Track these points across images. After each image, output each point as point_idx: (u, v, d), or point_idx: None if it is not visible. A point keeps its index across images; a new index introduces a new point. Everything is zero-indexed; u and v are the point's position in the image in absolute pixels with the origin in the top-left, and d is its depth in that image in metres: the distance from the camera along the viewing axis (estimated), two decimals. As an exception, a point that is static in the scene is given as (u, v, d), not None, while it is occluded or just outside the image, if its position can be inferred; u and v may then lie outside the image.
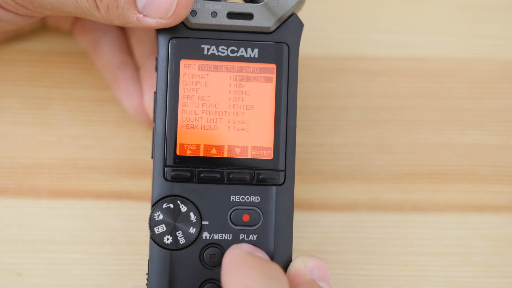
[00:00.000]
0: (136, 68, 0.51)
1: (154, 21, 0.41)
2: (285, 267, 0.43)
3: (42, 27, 0.52)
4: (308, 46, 0.53)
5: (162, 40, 0.43)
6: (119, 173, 0.52)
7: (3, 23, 0.45)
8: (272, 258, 0.43)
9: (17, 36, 0.52)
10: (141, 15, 0.41)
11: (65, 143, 0.52)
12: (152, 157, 0.43)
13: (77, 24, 0.51)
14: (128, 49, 0.51)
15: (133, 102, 0.50)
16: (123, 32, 0.51)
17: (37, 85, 0.52)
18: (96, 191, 0.51)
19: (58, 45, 0.53)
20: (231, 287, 0.38)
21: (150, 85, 0.49)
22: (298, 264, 0.43)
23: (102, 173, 0.52)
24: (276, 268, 0.39)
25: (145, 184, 0.51)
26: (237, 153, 0.43)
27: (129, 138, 0.52)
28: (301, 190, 0.52)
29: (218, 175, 0.42)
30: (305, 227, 0.52)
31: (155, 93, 0.43)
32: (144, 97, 0.49)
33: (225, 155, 0.43)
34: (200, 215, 0.42)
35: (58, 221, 0.51)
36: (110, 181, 0.52)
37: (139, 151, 0.52)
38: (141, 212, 0.50)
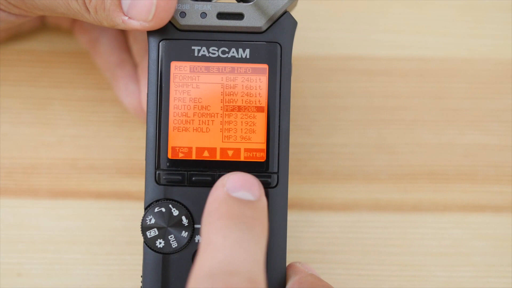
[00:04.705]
0: (135, 66, 0.51)
1: (138, 24, 0.41)
2: (280, 269, 0.43)
3: (42, 26, 0.53)
4: (308, 46, 0.53)
5: (152, 42, 0.42)
6: (119, 173, 0.52)
7: (-2, 22, 0.46)
8: (266, 261, 0.42)
9: (17, 36, 0.52)
10: (126, 18, 0.41)
11: (65, 143, 0.52)
12: (145, 159, 0.43)
13: (76, 23, 0.51)
14: (126, 47, 0.51)
15: (132, 100, 0.50)
16: (121, 30, 0.51)
17: (37, 85, 0.52)
18: (96, 191, 0.51)
19: (58, 45, 0.53)
20: (202, 242, 0.38)
21: (146, 83, 0.49)
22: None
23: (102, 173, 0.52)
24: (252, 214, 0.39)
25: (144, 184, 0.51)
26: (230, 156, 0.42)
27: (129, 138, 0.52)
28: (301, 190, 0.52)
29: (210, 178, 0.42)
30: (305, 227, 0.52)
31: (147, 95, 0.43)
32: (141, 95, 0.49)
33: (218, 158, 0.42)
34: (193, 218, 0.42)
35: (58, 221, 0.51)
36: (110, 181, 0.52)
37: (139, 151, 0.52)
38: (141, 212, 0.50)
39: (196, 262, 0.37)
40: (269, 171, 0.42)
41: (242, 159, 0.42)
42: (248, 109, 0.42)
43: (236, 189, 0.39)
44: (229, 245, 0.37)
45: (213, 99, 0.42)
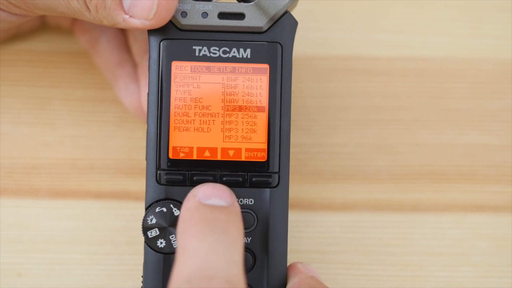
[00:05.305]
0: (135, 66, 0.51)
1: (139, 22, 0.41)
2: (281, 269, 0.43)
3: (43, 26, 0.52)
4: (308, 46, 0.53)
5: (153, 41, 0.42)
6: (119, 173, 0.52)
7: (-2, 22, 0.46)
8: (267, 261, 0.42)
9: (17, 36, 0.52)
10: (127, 16, 0.41)
11: (65, 143, 0.52)
12: (146, 159, 0.43)
13: (76, 22, 0.51)
14: (126, 47, 0.51)
15: (132, 100, 0.50)
16: (121, 30, 0.51)
17: (37, 85, 0.52)
18: (96, 191, 0.51)
19: (58, 45, 0.53)
20: (178, 249, 0.38)
21: (146, 83, 0.49)
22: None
23: (102, 173, 0.52)
24: (226, 217, 0.39)
25: (145, 184, 0.51)
26: (231, 156, 0.42)
27: (129, 138, 0.52)
28: (301, 190, 0.52)
29: (211, 178, 0.42)
30: (305, 227, 0.52)
31: (148, 95, 0.43)
32: (141, 95, 0.49)
33: (219, 158, 0.42)
34: None
35: (58, 221, 0.51)
36: (110, 181, 0.52)
37: (139, 151, 0.52)
38: (141, 212, 0.50)
39: (174, 269, 0.37)
40: (270, 170, 0.42)
41: (243, 159, 0.42)
42: (249, 109, 0.42)
43: (207, 197, 0.39)
44: (204, 249, 0.37)
45: (214, 99, 0.42)
